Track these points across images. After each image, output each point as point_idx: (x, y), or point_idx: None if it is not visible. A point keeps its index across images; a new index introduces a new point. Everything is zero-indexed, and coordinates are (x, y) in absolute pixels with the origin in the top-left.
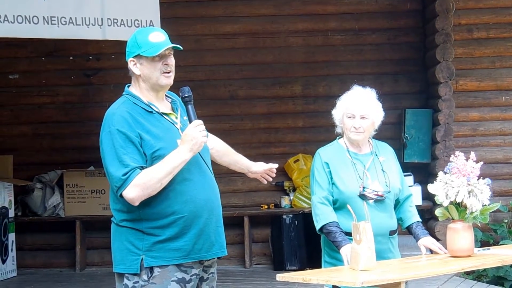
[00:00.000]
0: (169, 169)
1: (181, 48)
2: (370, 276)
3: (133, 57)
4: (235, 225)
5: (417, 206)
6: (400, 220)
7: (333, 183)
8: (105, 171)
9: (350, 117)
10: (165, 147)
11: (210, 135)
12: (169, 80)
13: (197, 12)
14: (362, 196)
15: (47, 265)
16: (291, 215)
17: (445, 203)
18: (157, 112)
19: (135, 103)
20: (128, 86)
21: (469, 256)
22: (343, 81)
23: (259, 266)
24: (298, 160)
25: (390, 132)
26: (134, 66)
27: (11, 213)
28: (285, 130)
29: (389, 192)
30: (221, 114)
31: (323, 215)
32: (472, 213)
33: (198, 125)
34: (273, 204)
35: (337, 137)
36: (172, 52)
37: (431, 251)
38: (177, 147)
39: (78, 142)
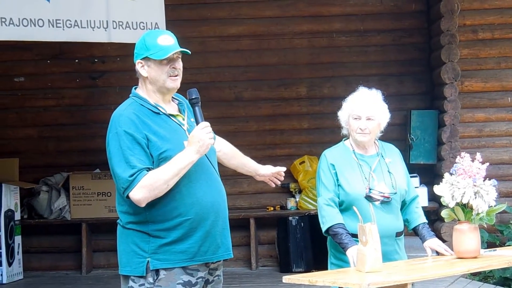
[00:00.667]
0: (176, 170)
1: (189, 52)
2: (376, 277)
3: (141, 59)
4: (241, 227)
5: (423, 208)
6: (406, 221)
7: (339, 185)
8: (111, 172)
9: (356, 118)
10: (171, 149)
11: (217, 137)
12: (176, 83)
13: (202, 14)
14: (368, 198)
15: (53, 268)
16: (297, 217)
17: (451, 204)
18: (164, 113)
19: (142, 105)
20: (135, 88)
21: (475, 257)
22: (348, 82)
23: (265, 268)
24: (303, 161)
25: (396, 134)
26: (142, 68)
27: (17, 216)
28: (290, 131)
29: (395, 193)
30: (226, 116)
31: (329, 217)
32: (478, 214)
33: (205, 127)
34: (279, 206)
35: (343, 139)
36: (180, 56)
37: (438, 253)
38: (184, 149)
39: (83, 145)
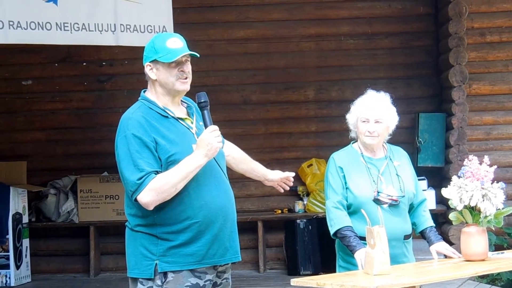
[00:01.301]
0: (184, 174)
1: (198, 55)
2: (384, 280)
3: (150, 62)
4: (249, 230)
5: (431, 210)
6: (413, 224)
7: (347, 188)
8: (120, 175)
9: (364, 121)
10: (180, 152)
11: (226, 142)
12: (186, 86)
13: (210, 18)
14: (376, 201)
15: (61, 271)
16: (305, 220)
17: (459, 207)
18: (172, 116)
19: (150, 108)
20: (144, 91)
21: (483, 260)
22: (356, 86)
23: (273, 271)
24: (311, 164)
25: (404, 136)
26: (151, 71)
27: (25, 219)
28: (298, 134)
29: (403, 196)
30: (234, 119)
31: (337, 220)
32: (486, 217)
33: (213, 130)
34: (286, 209)
35: (351, 142)
36: (189, 59)
37: (445, 256)
38: (192, 152)
39: (91, 148)
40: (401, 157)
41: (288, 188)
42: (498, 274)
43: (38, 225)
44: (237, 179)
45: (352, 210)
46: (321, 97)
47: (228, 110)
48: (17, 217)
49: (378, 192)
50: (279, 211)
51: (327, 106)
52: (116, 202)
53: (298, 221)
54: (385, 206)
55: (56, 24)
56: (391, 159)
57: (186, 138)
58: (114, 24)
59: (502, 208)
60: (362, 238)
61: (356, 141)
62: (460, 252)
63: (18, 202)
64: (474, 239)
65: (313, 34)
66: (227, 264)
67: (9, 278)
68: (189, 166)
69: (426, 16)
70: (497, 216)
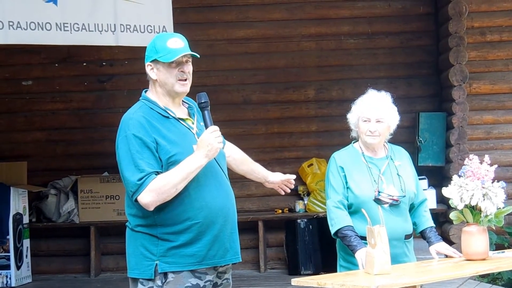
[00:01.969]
0: (184, 174)
1: (198, 56)
2: (385, 280)
3: (150, 62)
4: (250, 229)
5: (432, 210)
6: (414, 224)
7: (348, 187)
8: (121, 175)
9: (365, 121)
10: (180, 153)
11: (227, 143)
12: (185, 88)
13: (210, 17)
14: (377, 201)
15: (62, 271)
16: (305, 220)
17: (460, 206)
18: (173, 117)
19: (151, 108)
20: (146, 91)
21: (484, 259)
22: (357, 85)
23: (274, 271)
24: (312, 164)
25: (404, 136)
26: (151, 71)
27: (26, 219)
28: (298, 134)
29: (404, 196)
30: (235, 119)
31: (338, 219)
32: (486, 216)
33: (214, 131)
34: (287, 209)
35: (352, 141)
36: (190, 60)
37: (446, 255)
38: (193, 153)
39: (92, 148)
40: (402, 156)
41: (289, 191)
42: (499, 273)
43: (39, 225)
44: (237, 179)
45: (353, 209)
46: (321, 97)
47: (229, 110)
48: (18, 218)
49: (379, 192)
50: (280, 211)
51: (328, 106)
52: (116, 202)
53: (298, 220)
54: (386, 206)
55: (56, 24)
56: (392, 159)
57: (187, 138)
58: (114, 24)
59: (503, 207)
60: (363, 238)
61: (357, 140)
62: (460, 252)
63: (18, 203)
64: (475, 238)
65: (313, 33)
66: (228, 264)
67: (10, 278)
68: (190, 166)
69: (426, 16)
70: (497, 215)
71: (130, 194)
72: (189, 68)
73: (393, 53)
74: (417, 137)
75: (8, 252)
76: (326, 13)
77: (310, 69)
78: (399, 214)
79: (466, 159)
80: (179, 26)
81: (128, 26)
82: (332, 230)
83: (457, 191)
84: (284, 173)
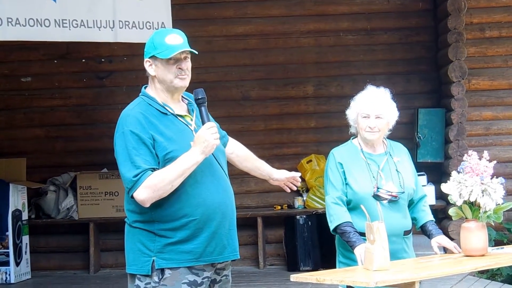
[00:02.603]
0: (180, 171)
1: (196, 52)
2: (384, 276)
3: (149, 58)
4: (249, 226)
5: (431, 206)
6: (414, 219)
7: (347, 184)
8: (119, 172)
9: (365, 117)
10: (177, 150)
11: (230, 139)
12: (184, 82)
13: (209, 14)
14: (376, 197)
15: (61, 268)
16: (304, 216)
17: (459, 202)
18: (171, 113)
19: (150, 104)
20: (145, 87)
21: (483, 255)
22: (355, 81)
23: (273, 267)
24: (311, 160)
25: (403, 132)
26: (150, 67)
27: (25, 216)
28: (297, 130)
29: (403, 192)
30: (234, 115)
31: (337, 215)
32: (485, 212)
33: (210, 127)
34: (286, 205)
35: (351, 137)
36: (188, 56)
37: (445, 250)
38: (189, 149)
39: (91, 144)
40: (401, 153)
41: (295, 188)
42: (498, 269)
43: (38, 222)
44: (236, 175)
45: (351, 206)
46: (320, 93)
47: (228, 106)
48: (17, 214)
49: (378, 188)
50: (279, 207)
51: (327, 102)
52: (115, 199)
53: (297, 217)
54: (385, 202)
55: (55, 20)
56: (391, 155)
57: (184, 135)
58: (113, 21)
59: (502, 203)
60: (362, 234)
61: (356, 137)
62: (460, 248)
63: (17, 199)
64: (474, 234)
65: (312, 30)
66: (226, 261)
67: (9, 275)
68: (186, 163)
69: (425, 12)
70: (496, 211)
71: (127, 191)
72: (187, 64)
73: (392, 49)
74: (416, 133)
75: (7, 248)
76: (324, 9)
77: (309, 65)
78: (398, 210)
79: (465, 155)
80: (178, 22)
81: (126, 23)
82: (331, 226)
83: (456, 187)
84: (283, 169)
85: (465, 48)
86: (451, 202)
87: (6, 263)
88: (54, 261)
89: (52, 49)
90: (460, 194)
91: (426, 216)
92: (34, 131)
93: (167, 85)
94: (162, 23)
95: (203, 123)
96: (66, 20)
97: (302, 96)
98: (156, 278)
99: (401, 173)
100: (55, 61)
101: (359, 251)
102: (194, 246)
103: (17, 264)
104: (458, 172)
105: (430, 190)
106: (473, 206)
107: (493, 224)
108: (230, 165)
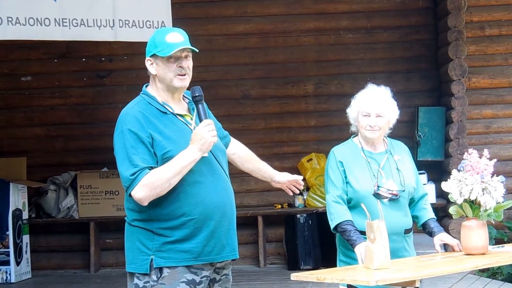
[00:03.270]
0: (178, 169)
1: (197, 50)
2: (384, 274)
3: (150, 56)
4: (249, 225)
5: (431, 204)
6: (415, 218)
7: (347, 182)
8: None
9: (365, 115)
10: (176, 149)
11: (233, 140)
12: (183, 83)
13: (209, 12)
14: (377, 195)
15: (62, 267)
16: (305, 215)
17: (459, 200)
18: (171, 113)
19: (149, 103)
20: (146, 86)
21: (483, 253)
22: (356, 80)
23: (273, 266)
24: (311, 159)
25: (403, 130)
26: (151, 66)
27: (25, 215)
28: (297, 129)
29: (403, 191)
30: (234, 114)
31: (337, 214)
32: (486, 210)
33: (207, 124)
34: (286, 204)
35: (352, 136)
36: (189, 55)
37: (445, 248)
38: (187, 147)
39: (91, 144)
40: (401, 151)
41: (298, 192)
42: (499, 267)
43: (38, 221)
44: (236, 174)
45: (352, 204)
46: (320, 92)
47: (228, 105)
48: (17, 213)
49: (378, 187)
50: (279, 206)
51: (327, 101)
52: (116, 198)
53: (298, 215)
54: (385, 200)
55: (55, 20)
56: (391, 153)
57: (183, 135)
58: (113, 20)
59: (502, 202)
60: (363, 233)
61: (356, 135)
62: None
63: (18, 198)
64: (474, 232)
65: (312, 28)
66: (225, 261)
67: (10, 274)
68: (183, 161)
69: (425, 10)
70: (497, 209)
71: (125, 189)
72: (188, 63)
73: (392, 47)
74: (416, 132)
75: (8, 248)
76: (324, 8)
77: (309, 64)
78: (399, 209)
79: (466, 153)
80: (178, 21)
81: (126, 22)
82: (332, 224)
83: (456, 186)
84: (284, 168)
85: (465, 46)
86: (451, 200)
87: (7, 263)
88: (55, 261)
89: (52, 48)
90: (461, 192)
91: (428, 214)
92: (34, 130)
93: (167, 84)
94: (162, 22)
95: (200, 120)
96: (66, 19)
97: (302, 94)
98: (154, 277)
99: (401, 172)
100: (55, 60)
101: (359, 249)
102: (192, 245)
103: (18, 263)
104: (459, 171)
105: (431, 188)
106: (474, 204)
107: (493, 222)
108: (230, 164)
